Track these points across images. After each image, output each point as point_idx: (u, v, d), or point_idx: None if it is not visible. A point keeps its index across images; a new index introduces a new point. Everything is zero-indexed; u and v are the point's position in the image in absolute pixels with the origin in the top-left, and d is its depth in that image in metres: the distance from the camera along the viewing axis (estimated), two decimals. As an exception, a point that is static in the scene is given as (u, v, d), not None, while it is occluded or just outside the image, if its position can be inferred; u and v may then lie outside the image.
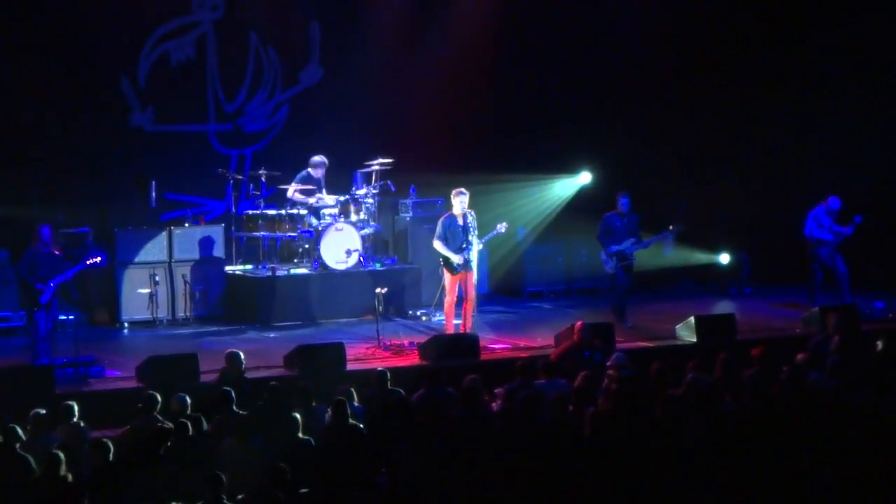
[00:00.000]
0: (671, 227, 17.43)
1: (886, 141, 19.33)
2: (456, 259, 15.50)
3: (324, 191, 17.99)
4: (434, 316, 17.24)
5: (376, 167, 18.11)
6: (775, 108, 20.17)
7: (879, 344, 12.80)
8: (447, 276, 15.68)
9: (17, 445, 10.33)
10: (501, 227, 15.81)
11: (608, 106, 20.40)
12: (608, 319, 16.08)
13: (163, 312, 17.53)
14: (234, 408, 11.37)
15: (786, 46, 20.03)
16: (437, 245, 15.67)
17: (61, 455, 9.81)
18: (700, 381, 11.41)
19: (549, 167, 19.92)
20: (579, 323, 13.95)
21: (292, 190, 17.86)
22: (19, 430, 10.50)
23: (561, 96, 20.53)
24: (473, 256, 15.50)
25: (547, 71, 20.59)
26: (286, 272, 17.77)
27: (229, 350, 13.01)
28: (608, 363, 12.59)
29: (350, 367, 14.12)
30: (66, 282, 15.01)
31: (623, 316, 16.78)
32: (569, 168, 19.87)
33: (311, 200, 17.79)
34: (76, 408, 11.33)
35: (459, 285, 15.72)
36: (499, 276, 19.61)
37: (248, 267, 18.25)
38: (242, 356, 12.82)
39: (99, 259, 15.10)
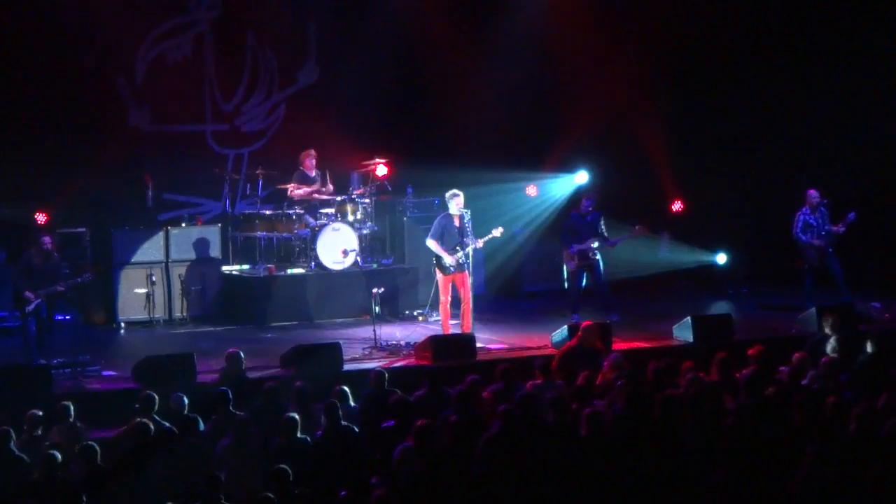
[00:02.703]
0: (637, 228, 17.45)
1: (884, 141, 19.31)
2: (449, 259, 15.46)
3: (329, 184, 17.93)
4: (431, 316, 17.19)
5: (373, 167, 18.11)
6: (772, 108, 20.14)
7: (868, 345, 12.77)
8: (440, 276, 15.63)
9: (12, 444, 10.28)
10: (497, 232, 15.69)
11: (605, 106, 20.36)
12: (605, 320, 16.11)
13: (159, 312, 17.50)
14: (231, 408, 11.36)
15: (784, 46, 20.02)
16: (431, 244, 15.61)
17: (58, 456, 9.78)
18: (698, 381, 11.42)
19: (547, 166, 19.92)
20: (584, 323, 13.92)
21: (291, 189, 17.87)
22: (12, 433, 10.43)
23: (558, 95, 20.50)
24: (468, 257, 15.47)
25: (543, 70, 20.55)
26: (283, 272, 17.76)
27: (230, 350, 13.00)
28: (605, 363, 12.60)
29: (347, 367, 14.10)
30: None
31: (577, 310, 16.95)
32: (566, 167, 19.88)
33: (305, 190, 17.74)
34: (73, 408, 11.31)
35: (453, 286, 15.68)
36: (496, 276, 19.59)
37: (245, 267, 18.24)
38: (243, 356, 12.82)
39: (87, 277, 15.22)
